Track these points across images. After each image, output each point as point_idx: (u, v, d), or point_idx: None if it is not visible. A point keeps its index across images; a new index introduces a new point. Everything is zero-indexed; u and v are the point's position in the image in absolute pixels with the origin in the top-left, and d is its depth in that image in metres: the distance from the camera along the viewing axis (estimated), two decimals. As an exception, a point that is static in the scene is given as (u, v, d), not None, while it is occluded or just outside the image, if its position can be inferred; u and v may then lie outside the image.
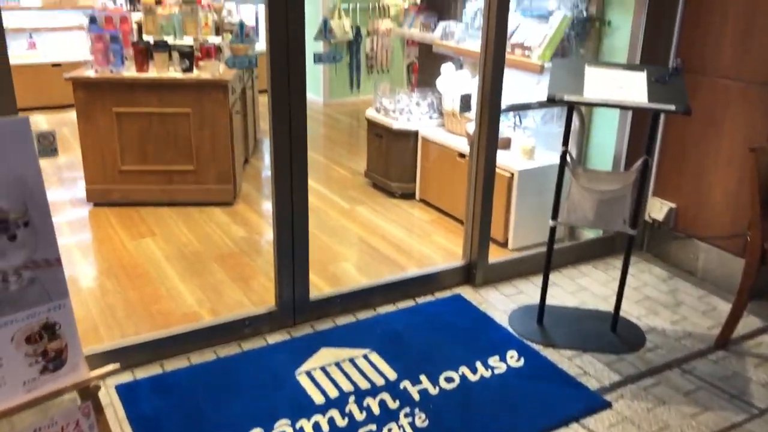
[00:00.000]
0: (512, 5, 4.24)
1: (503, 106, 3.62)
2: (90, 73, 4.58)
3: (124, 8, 6.78)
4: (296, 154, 3.09)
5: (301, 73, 2.93)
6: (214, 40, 4.80)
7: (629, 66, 3.25)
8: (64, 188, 5.16)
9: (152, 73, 4.60)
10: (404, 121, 4.91)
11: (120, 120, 4.60)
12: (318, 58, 3.02)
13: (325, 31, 2.98)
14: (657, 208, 4.00)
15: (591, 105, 3.26)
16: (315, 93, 8.10)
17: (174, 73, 4.60)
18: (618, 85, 2.91)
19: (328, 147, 6.62)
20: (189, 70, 4.58)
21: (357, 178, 5.51)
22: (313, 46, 3.21)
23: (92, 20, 4.54)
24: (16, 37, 7.33)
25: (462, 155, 4.43)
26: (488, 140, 3.58)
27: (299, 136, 3.06)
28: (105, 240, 4.27)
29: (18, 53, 7.22)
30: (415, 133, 4.88)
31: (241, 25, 3.42)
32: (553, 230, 3.23)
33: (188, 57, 4.56)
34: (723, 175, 3.69)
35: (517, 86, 4.28)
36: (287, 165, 3.07)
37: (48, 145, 2.55)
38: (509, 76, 3.68)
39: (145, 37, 4.78)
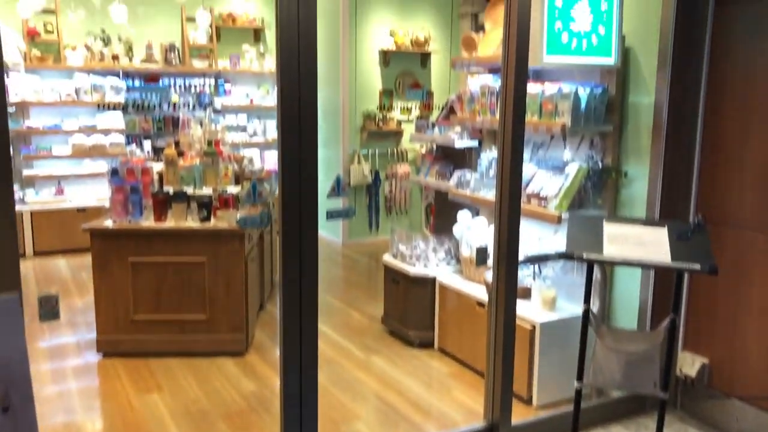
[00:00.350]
0: (526, 156, 4.30)
1: (521, 256, 3.54)
2: (108, 223, 4.62)
3: (149, 155, 7.02)
4: (306, 307, 2.96)
5: (313, 222, 2.88)
6: (233, 190, 4.87)
7: (649, 221, 3.18)
8: (76, 334, 5.06)
9: (170, 223, 4.63)
10: (421, 268, 4.83)
11: (135, 269, 4.58)
12: (330, 215, 2.99)
13: (338, 188, 2.97)
14: (689, 364, 3.77)
15: (611, 264, 3.16)
16: (334, 234, 8.14)
17: (191, 222, 4.63)
18: (638, 242, 2.82)
19: (345, 290, 6.54)
20: (206, 219, 4.61)
21: (374, 325, 5.36)
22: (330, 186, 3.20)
23: (114, 172, 4.65)
24: (46, 184, 7.57)
25: (481, 304, 4.30)
26: (507, 292, 3.47)
27: (309, 284, 2.94)
28: (110, 394, 4.11)
29: (46, 199, 7.42)
30: (433, 280, 4.79)
31: (254, 185, 3.45)
32: (578, 392, 3.02)
33: (206, 207, 4.61)
34: (757, 328, 3.49)
35: (534, 235, 4.22)
36: (296, 315, 2.94)
37: (50, 309, 2.48)
38: (526, 225, 3.63)
39: (166, 188, 4.86)
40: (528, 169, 4.25)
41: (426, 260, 4.87)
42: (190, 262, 4.60)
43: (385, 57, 8.11)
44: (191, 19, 7.84)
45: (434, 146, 5.61)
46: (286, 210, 2.82)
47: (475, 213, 4.90)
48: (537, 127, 4.03)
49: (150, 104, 7.92)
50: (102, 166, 7.52)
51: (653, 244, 2.81)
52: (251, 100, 8.65)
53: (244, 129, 8.70)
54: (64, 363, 4.56)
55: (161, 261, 4.59)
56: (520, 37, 3.32)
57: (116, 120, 7.77)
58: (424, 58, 8.40)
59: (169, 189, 4.83)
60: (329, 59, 8.08)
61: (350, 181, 7.94)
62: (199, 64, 8.16)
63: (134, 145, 7.90)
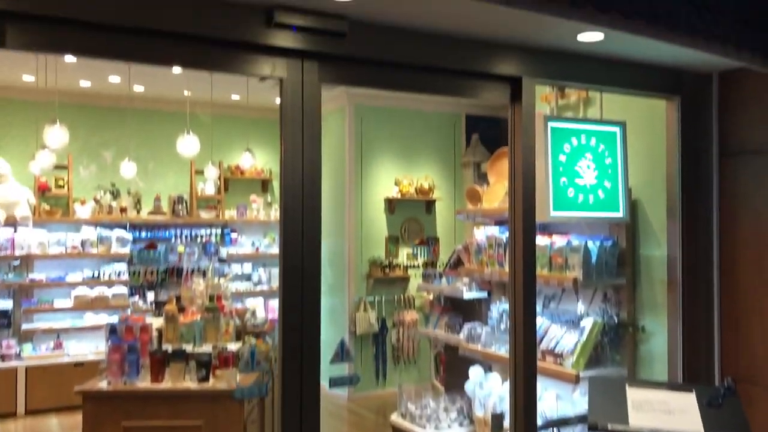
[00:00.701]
0: (537, 309, 4.16)
1: (539, 420, 3.30)
2: (103, 384, 4.41)
3: (152, 307, 6.91)
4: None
5: (315, 378, 2.69)
6: (233, 346, 4.68)
7: (675, 385, 2.98)
8: None
9: (167, 383, 4.42)
10: (432, 430, 4.53)
11: (128, 435, 4.31)
12: (334, 382, 2.82)
13: (342, 353, 2.82)
14: None
15: None
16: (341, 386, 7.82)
17: (189, 383, 4.41)
18: (666, 410, 2.61)
19: (352, 450, 6.13)
20: (205, 379, 4.39)
21: (382, 492, 4.97)
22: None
23: (112, 331, 4.50)
24: (45, 338, 7.38)
25: (497, 471, 3.98)
26: (526, 461, 3.20)
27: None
28: None
29: (43, 354, 7.20)
30: (445, 443, 4.48)
31: (253, 352, 3.30)
32: None
33: (205, 366, 4.41)
34: (804, 502, 3.18)
35: (552, 394, 3.98)
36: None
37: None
38: (542, 383, 3.42)
39: (165, 346, 4.69)
40: (540, 322, 4.09)
41: (437, 421, 4.58)
42: (186, 426, 4.33)
43: (391, 205, 8.19)
44: (200, 172, 8.01)
45: (442, 296, 5.48)
46: (286, 366, 2.66)
47: (488, 368, 4.68)
48: (547, 280, 3.92)
49: (155, 256, 7.93)
50: (104, 318, 7.38)
51: (682, 412, 2.60)
52: (257, 249, 8.64)
53: (249, 278, 8.62)
54: None
55: (156, 425, 4.32)
56: (526, 192, 3.30)
57: (120, 272, 7.71)
58: (429, 205, 8.48)
59: (168, 347, 4.65)
60: (334, 207, 8.16)
61: (356, 330, 7.74)
62: (206, 214, 8.24)
63: (137, 296, 7.80)
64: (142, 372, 4.49)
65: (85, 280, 7.53)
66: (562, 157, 3.51)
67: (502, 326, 4.44)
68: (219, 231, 8.42)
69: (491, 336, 4.46)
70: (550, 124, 3.47)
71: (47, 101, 6.47)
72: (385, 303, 8.08)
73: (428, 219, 8.54)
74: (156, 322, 5.01)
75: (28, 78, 6.83)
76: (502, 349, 4.29)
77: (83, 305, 7.45)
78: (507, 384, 4.49)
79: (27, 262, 7.37)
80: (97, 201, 7.65)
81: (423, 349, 8.23)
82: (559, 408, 3.92)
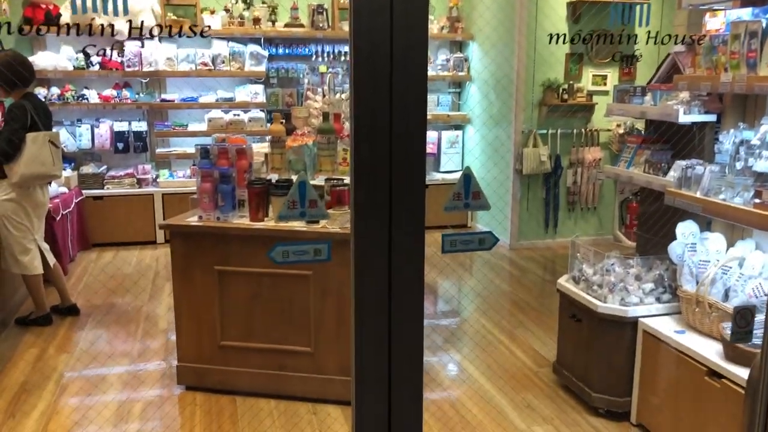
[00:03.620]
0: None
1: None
2: (193, 219, 3.58)
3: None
4: (400, 360, 1.59)
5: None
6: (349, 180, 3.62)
7: None
8: (156, 352, 4.10)
9: (269, 221, 3.50)
10: (615, 303, 3.26)
11: (222, 281, 3.51)
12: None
13: (466, 192, 1.57)
14: None
15: None
16: (501, 233, 6.66)
17: (295, 222, 3.45)
18: None
19: (509, 312, 5.03)
20: (315, 220, 3.41)
21: (542, 372, 3.88)
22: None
23: (204, 154, 3.59)
24: (180, 164, 6.88)
25: (715, 374, 2.69)
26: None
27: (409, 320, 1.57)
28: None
29: (180, 180, 6.69)
30: (633, 323, 3.21)
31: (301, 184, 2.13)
32: None
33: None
34: None
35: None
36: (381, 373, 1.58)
37: None
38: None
39: (271, 175, 3.74)
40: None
41: (624, 292, 3.28)
42: (292, 275, 3.44)
43: (575, 10, 6.40)
44: (341, -25, 6.71)
45: (643, 122, 3.94)
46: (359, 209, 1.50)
47: (706, 227, 3.23)
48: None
49: (294, 74, 6.97)
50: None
51: None
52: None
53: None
54: (137, 393, 3.62)
55: (255, 272, 3.48)
56: None
57: (257, 93, 6.86)
58: (628, 9, 6.54)
59: (272, 177, 3.70)
60: (500, 14, 6.56)
61: (522, 168, 6.41)
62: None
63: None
64: (241, 207, 3.60)
65: (218, 102, 6.78)
66: None
67: (738, 165, 2.92)
68: (365, 48, 7.21)
69: (719, 179, 2.97)
70: None
71: None
72: (560, 137, 6.59)
73: (626, 30, 6.65)
74: (267, 148, 4.06)
75: None
76: (737, 199, 2.82)
77: (217, 129, 6.74)
78: (733, 250, 3.05)
79: (158, 80, 6.72)
80: (227, 10, 6.69)
81: (606, 195, 6.76)
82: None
